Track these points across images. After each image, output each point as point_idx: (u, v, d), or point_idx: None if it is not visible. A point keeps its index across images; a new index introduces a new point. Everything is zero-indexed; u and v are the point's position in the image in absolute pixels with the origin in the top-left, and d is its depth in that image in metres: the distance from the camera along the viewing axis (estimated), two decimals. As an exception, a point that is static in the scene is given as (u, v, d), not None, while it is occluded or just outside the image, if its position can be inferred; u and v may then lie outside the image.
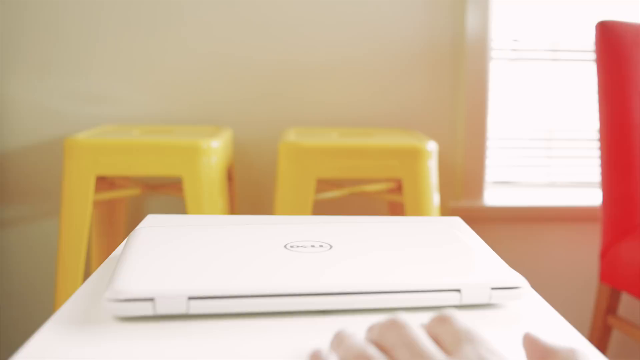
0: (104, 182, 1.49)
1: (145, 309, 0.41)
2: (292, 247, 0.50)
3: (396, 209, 1.64)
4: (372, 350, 0.32)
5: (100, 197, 1.36)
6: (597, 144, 1.58)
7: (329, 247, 0.50)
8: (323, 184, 1.52)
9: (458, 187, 1.76)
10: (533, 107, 1.81)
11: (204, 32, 1.65)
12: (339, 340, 0.35)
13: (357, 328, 0.41)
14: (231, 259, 0.46)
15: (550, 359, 0.32)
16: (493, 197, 1.78)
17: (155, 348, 0.38)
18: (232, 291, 0.41)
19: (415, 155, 1.31)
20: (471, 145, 1.73)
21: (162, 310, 0.41)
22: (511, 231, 1.79)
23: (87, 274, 1.71)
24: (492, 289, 0.44)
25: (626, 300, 1.83)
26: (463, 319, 0.33)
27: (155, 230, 0.54)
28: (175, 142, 1.30)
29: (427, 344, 0.32)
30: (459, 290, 0.44)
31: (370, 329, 0.35)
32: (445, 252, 0.50)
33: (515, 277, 0.45)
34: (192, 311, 0.41)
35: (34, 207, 1.70)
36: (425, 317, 0.43)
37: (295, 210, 1.31)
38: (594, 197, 1.79)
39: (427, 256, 0.48)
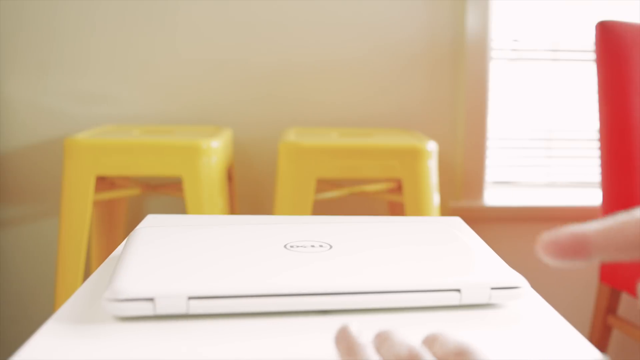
0: (104, 182, 1.49)
1: (145, 309, 0.41)
2: (292, 247, 0.50)
3: (396, 209, 1.64)
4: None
5: (100, 197, 1.36)
6: (597, 144, 1.58)
7: (328, 247, 0.50)
8: (323, 184, 1.52)
9: (458, 187, 1.76)
10: (533, 107, 1.81)
11: (205, 32, 1.65)
12: (382, 339, 0.34)
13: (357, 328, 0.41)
14: (231, 258, 0.46)
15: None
16: (493, 197, 1.78)
17: (155, 348, 0.38)
18: (232, 291, 0.41)
19: (415, 155, 1.31)
20: (471, 145, 1.73)
21: (162, 310, 0.41)
22: (511, 231, 1.79)
23: (87, 274, 1.71)
24: (492, 288, 0.44)
25: (626, 300, 1.83)
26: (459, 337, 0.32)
27: (155, 230, 0.53)
28: (175, 142, 1.30)
29: None
30: (458, 290, 0.44)
31: (381, 340, 0.34)
32: (445, 252, 0.50)
33: (515, 277, 0.45)
34: (192, 311, 0.41)
35: (34, 207, 1.70)
36: (425, 317, 0.43)
37: (295, 210, 1.31)
38: (594, 197, 1.79)
39: (427, 256, 0.48)
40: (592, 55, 1.80)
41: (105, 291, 0.42)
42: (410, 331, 0.41)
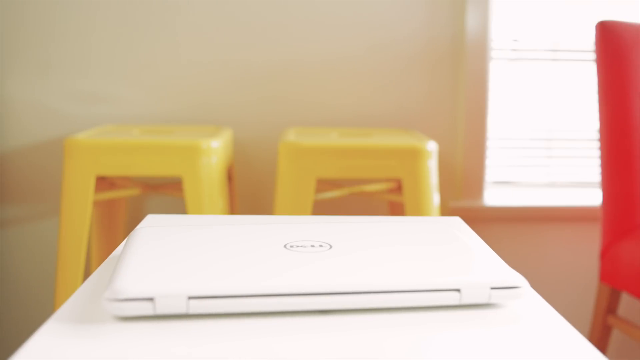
0: (104, 182, 1.49)
1: (145, 308, 0.41)
2: (292, 247, 0.50)
3: (396, 209, 1.64)
4: None
5: (100, 197, 1.36)
6: (597, 144, 1.58)
7: (328, 247, 0.50)
8: (323, 184, 1.52)
9: (458, 187, 1.76)
10: (533, 107, 1.81)
11: (204, 32, 1.65)
12: None
13: (357, 328, 0.41)
14: (231, 258, 0.46)
15: None
16: (493, 197, 1.78)
17: (155, 348, 0.38)
18: (232, 291, 0.41)
19: (415, 155, 1.31)
20: (471, 145, 1.73)
21: (162, 310, 0.41)
22: (511, 231, 1.79)
23: (87, 274, 1.71)
24: (492, 288, 0.44)
25: (626, 300, 1.83)
26: None
27: (155, 230, 0.53)
28: (175, 142, 1.30)
29: None
30: (458, 290, 0.44)
31: None
32: (445, 251, 0.50)
33: (515, 277, 0.45)
34: (192, 311, 0.41)
35: (34, 207, 1.70)
36: (425, 316, 0.43)
37: (295, 210, 1.31)
38: (594, 197, 1.79)
39: (426, 256, 0.48)
40: (592, 55, 1.80)
41: (105, 291, 0.42)
42: (410, 331, 0.41)
